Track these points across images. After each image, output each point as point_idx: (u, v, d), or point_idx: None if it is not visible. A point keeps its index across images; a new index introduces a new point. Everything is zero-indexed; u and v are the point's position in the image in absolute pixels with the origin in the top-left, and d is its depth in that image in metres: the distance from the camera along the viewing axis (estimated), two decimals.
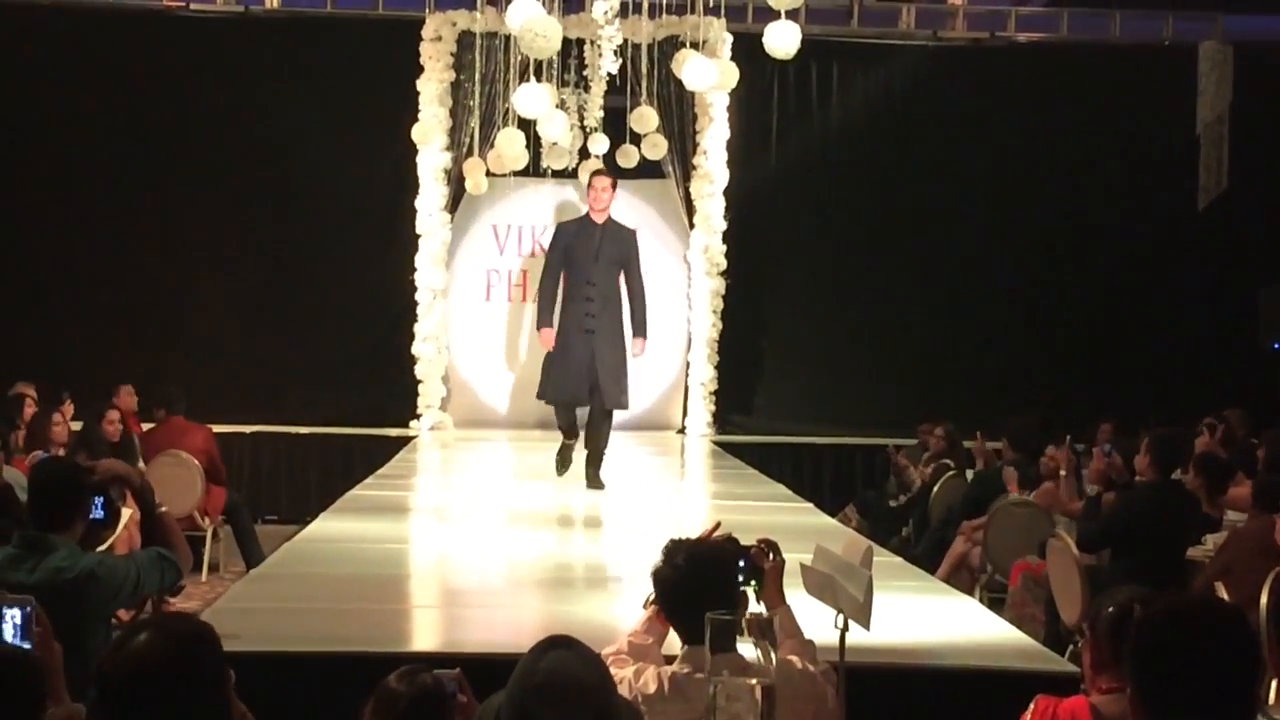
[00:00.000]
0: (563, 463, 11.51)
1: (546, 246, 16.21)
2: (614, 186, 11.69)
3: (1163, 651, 3.20)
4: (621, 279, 11.46)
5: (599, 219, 11.43)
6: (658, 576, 4.49)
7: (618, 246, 11.44)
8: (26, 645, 3.71)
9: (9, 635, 3.71)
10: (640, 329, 11.55)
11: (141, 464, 12.07)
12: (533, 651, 3.36)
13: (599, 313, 11.20)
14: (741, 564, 4.58)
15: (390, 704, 3.60)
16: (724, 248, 16.08)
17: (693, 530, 4.79)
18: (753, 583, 4.60)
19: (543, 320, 11.47)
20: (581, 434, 11.50)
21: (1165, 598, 3.55)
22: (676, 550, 4.47)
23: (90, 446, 11.03)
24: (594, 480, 11.32)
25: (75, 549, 5.32)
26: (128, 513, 7.60)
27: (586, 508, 10.48)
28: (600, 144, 14.02)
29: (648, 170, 15.00)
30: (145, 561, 5.45)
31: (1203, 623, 3.24)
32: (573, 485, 11.25)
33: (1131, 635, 3.28)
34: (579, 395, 11.31)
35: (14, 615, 3.72)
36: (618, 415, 11.56)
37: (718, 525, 4.87)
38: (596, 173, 11.96)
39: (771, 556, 4.68)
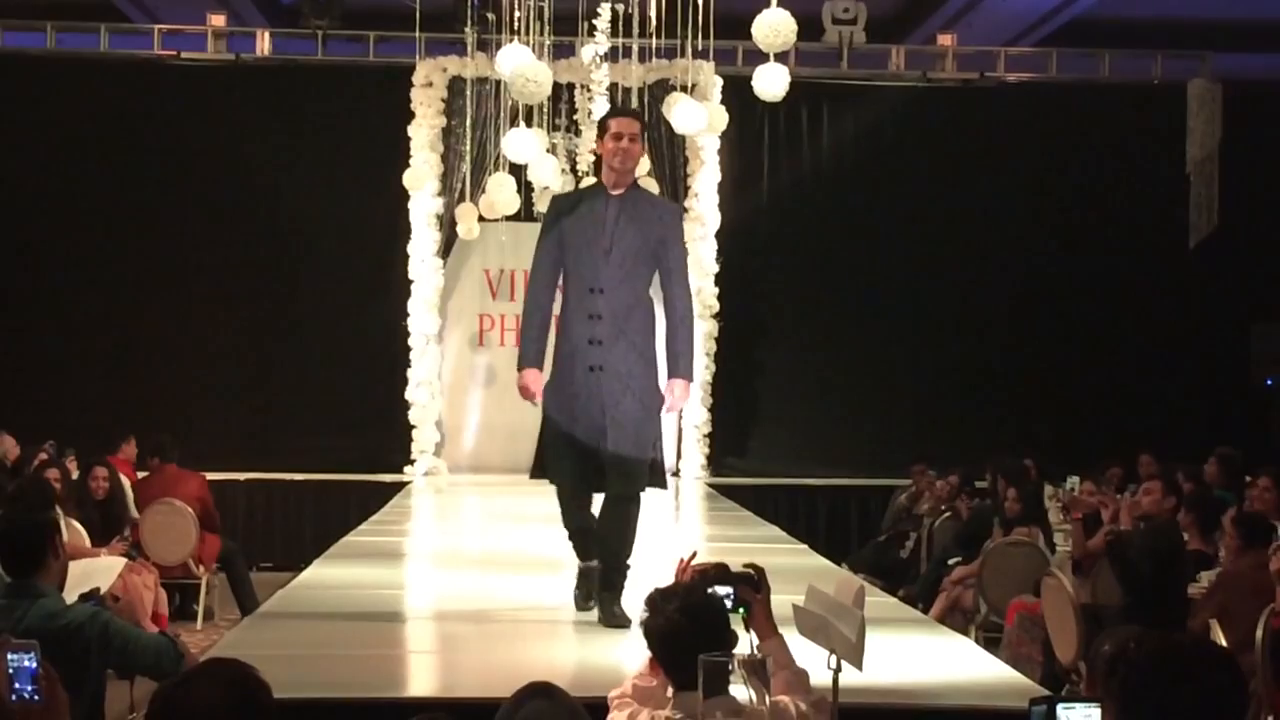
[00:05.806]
0: (583, 593, 7.42)
1: None
2: (644, 135, 7.38)
3: (1146, 692, 3.17)
4: (653, 283, 7.20)
5: (616, 188, 7.13)
6: (650, 628, 4.43)
7: (643, 231, 7.09)
8: (35, 694, 3.44)
9: (20, 683, 3.44)
10: (680, 366, 7.17)
11: (135, 513, 12.07)
12: (512, 700, 3.37)
13: (609, 338, 7.03)
14: (729, 593, 4.55)
15: None
16: (716, 290, 16.10)
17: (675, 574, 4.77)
18: (740, 610, 4.56)
19: (525, 357, 7.24)
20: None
21: (1153, 637, 3.53)
22: (667, 600, 4.42)
23: (79, 504, 11.03)
24: (610, 611, 7.06)
25: (59, 595, 5.35)
26: (120, 560, 7.59)
27: None
28: None
29: None
30: (147, 636, 5.42)
31: (1188, 664, 3.22)
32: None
33: (1116, 675, 3.26)
34: (581, 470, 7.16)
35: (21, 660, 3.44)
36: None
37: (694, 555, 4.84)
38: (614, 114, 7.51)
39: (758, 581, 4.64)
